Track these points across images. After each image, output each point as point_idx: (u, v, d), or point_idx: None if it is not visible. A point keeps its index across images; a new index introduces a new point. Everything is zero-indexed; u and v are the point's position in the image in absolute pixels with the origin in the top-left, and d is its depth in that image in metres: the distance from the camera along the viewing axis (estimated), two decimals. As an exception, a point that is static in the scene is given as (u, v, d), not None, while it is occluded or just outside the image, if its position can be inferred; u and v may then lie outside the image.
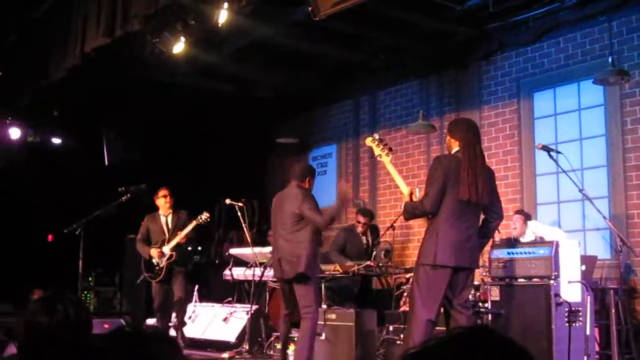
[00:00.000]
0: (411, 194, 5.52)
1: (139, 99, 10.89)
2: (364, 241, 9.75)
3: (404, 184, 5.61)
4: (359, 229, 9.68)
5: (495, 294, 6.43)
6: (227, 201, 8.72)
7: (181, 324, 8.27)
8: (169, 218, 8.39)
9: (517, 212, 8.33)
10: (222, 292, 9.97)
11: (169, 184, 8.61)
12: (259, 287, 8.85)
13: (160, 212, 8.44)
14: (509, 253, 6.44)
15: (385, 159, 5.74)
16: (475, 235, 5.42)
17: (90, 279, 11.52)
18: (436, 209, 5.29)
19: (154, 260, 8.21)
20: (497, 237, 7.34)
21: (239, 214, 8.51)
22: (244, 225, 8.48)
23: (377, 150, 5.78)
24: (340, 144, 11.99)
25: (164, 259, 8.14)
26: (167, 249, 8.15)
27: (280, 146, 12.53)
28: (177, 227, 8.26)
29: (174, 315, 8.27)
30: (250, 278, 8.88)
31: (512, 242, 6.73)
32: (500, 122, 9.52)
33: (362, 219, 9.69)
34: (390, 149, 5.81)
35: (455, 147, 5.46)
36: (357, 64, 10.70)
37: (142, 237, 8.42)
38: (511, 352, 1.39)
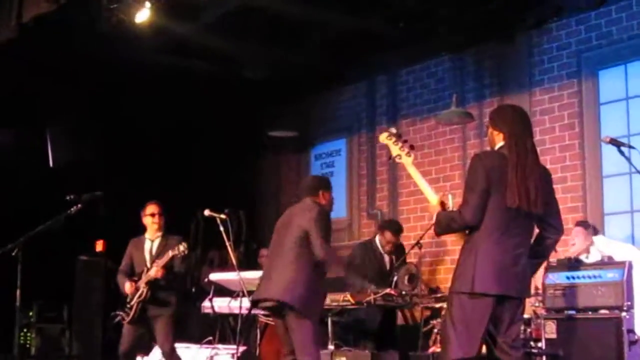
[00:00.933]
0: (442, 203, 5.50)
1: (93, 84, 10.94)
2: (387, 261, 9.77)
3: (430, 190, 5.60)
4: (385, 248, 9.72)
5: (551, 330, 6.45)
6: (207, 212, 8.62)
7: None
8: (155, 243, 8.41)
9: (578, 223, 8.32)
10: (200, 329, 9.99)
11: (131, 191, 8.71)
12: (247, 323, 8.82)
13: (147, 234, 8.47)
14: (568, 277, 6.50)
15: (406, 160, 5.74)
16: (525, 255, 5.35)
17: (30, 313, 11.50)
18: (479, 220, 5.26)
19: (128, 296, 8.27)
20: (553, 257, 7.32)
21: (221, 228, 8.42)
22: (227, 243, 8.33)
23: (394, 150, 5.80)
24: (351, 139, 12.00)
25: (136, 296, 8.19)
26: (142, 284, 8.19)
27: (273, 141, 12.53)
28: (161, 256, 8.24)
29: None
30: (236, 311, 8.84)
31: (572, 264, 6.70)
32: (557, 109, 9.51)
33: (389, 237, 9.70)
34: (411, 147, 5.81)
35: (500, 142, 5.44)
36: (372, 35, 10.57)
37: (125, 268, 8.47)
38: None
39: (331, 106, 12.39)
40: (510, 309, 5.34)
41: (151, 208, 8.41)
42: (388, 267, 9.72)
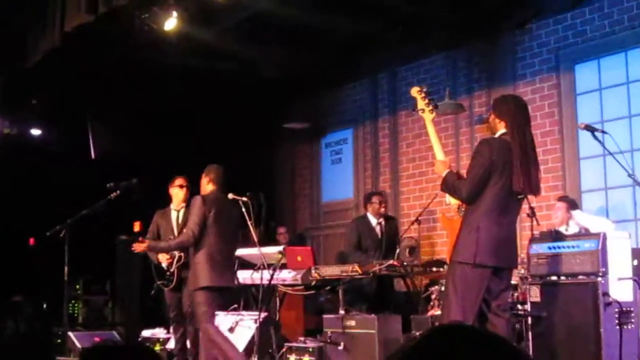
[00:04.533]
0: (447, 159, 5.60)
1: (128, 84, 10.90)
2: (378, 231, 9.79)
3: (441, 149, 5.58)
4: (378, 214, 9.73)
5: (535, 294, 6.43)
6: (230, 196, 8.52)
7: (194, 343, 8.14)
8: (181, 213, 8.25)
9: (560, 198, 8.31)
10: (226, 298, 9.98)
11: (162, 178, 8.57)
12: (268, 292, 8.76)
13: (172, 205, 8.33)
14: (550, 248, 6.44)
15: (427, 116, 5.65)
16: (515, 231, 5.47)
17: (77, 287, 11.55)
18: (472, 198, 5.32)
19: (164, 265, 8.13)
20: (537, 229, 7.35)
21: (243, 209, 8.30)
22: (249, 222, 8.19)
23: (420, 103, 5.69)
24: (357, 128, 12.02)
25: (174, 263, 8.08)
26: (175, 251, 8.03)
27: (288, 132, 12.55)
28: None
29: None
30: (257, 282, 8.75)
31: (553, 235, 6.67)
32: (538, 99, 9.50)
33: (377, 199, 9.81)
34: (436, 106, 5.75)
35: (502, 129, 5.46)
36: (373, 37, 10.65)
37: (152, 237, 8.26)
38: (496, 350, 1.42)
39: (339, 100, 12.40)
40: (502, 278, 5.43)
41: (179, 180, 8.31)
42: (380, 235, 9.73)
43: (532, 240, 6.72)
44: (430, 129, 5.62)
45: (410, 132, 10.98)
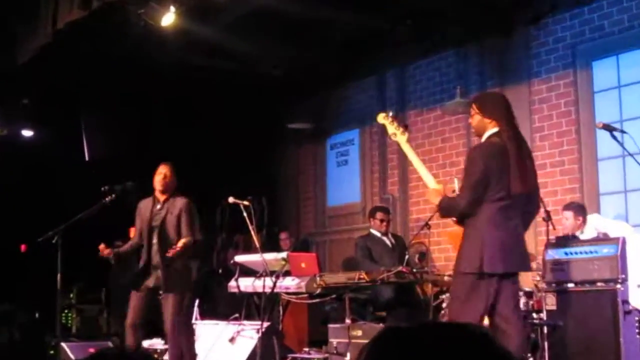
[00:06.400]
0: (439, 187, 5.57)
1: (124, 83, 10.87)
2: (388, 242, 9.76)
3: (426, 171, 5.65)
4: (381, 229, 9.71)
5: (551, 302, 6.44)
6: (230, 200, 8.51)
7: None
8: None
9: (565, 207, 8.23)
10: (227, 307, 9.95)
11: None
12: (270, 301, 8.70)
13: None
14: (566, 253, 6.45)
15: (400, 138, 5.82)
16: (523, 233, 5.43)
17: (71, 295, 11.55)
18: (472, 207, 5.31)
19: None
20: (553, 234, 7.32)
21: (245, 214, 8.32)
22: (250, 227, 8.29)
23: (390, 128, 5.89)
24: (364, 129, 12.01)
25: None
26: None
27: (291, 133, 12.53)
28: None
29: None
30: (260, 290, 8.69)
31: (570, 240, 6.68)
32: (554, 98, 9.49)
33: (381, 216, 9.71)
34: (405, 127, 5.95)
35: (491, 129, 5.44)
36: (381, 33, 10.57)
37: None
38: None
39: (345, 99, 12.39)
40: (510, 282, 5.40)
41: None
42: (390, 245, 9.68)
43: (548, 245, 6.71)
44: (410, 153, 5.73)
45: (420, 132, 10.95)
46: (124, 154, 11.03)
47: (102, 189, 8.16)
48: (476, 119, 5.54)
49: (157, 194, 7.82)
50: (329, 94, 12.50)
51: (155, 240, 7.62)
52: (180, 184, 8.43)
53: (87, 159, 11.38)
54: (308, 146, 12.90)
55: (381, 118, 5.98)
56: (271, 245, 10.24)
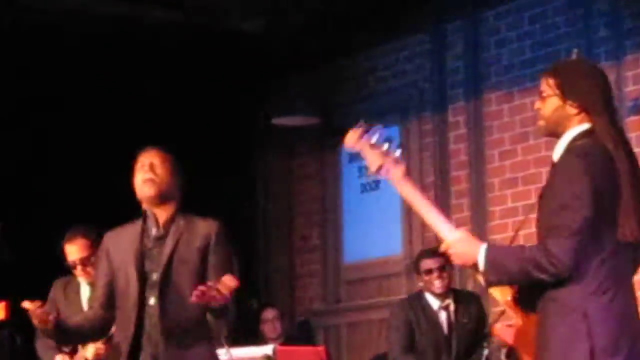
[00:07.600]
0: (462, 234, 3.97)
1: (8, 45, 9.17)
2: (443, 320, 8.14)
3: (444, 221, 3.93)
4: (433, 285, 7.98)
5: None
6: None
7: None
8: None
9: None
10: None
11: (53, 214, 8.28)
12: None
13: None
14: None
15: (395, 174, 4.16)
16: (637, 303, 4.14)
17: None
18: (575, 264, 3.84)
19: None
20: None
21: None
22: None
23: (371, 156, 4.32)
24: (407, 124, 9.45)
25: None
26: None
27: (281, 133, 10.07)
28: None
29: None
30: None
31: None
32: None
33: (427, 265, 8.11)
34: (398, 147, 4.31)
35: (578, 124, 3.84)
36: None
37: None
38: None
39: (373, 74, 9.81)
40: None
41: (75, 234, 7.01)
42: (446, 328, 8.13)
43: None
44: (410, 195, 4.08)
45: (498, 120, 8.81)
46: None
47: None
48: (551, 103, 3.89)
49: (148, 206, 5.97)
50: (344, 66, 9.95)
51: (153, 302, 5.84)
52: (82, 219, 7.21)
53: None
54: (309, 157, 10.28)
55: (351, 140, 4.31)
56: (248, 331, 8.72)
